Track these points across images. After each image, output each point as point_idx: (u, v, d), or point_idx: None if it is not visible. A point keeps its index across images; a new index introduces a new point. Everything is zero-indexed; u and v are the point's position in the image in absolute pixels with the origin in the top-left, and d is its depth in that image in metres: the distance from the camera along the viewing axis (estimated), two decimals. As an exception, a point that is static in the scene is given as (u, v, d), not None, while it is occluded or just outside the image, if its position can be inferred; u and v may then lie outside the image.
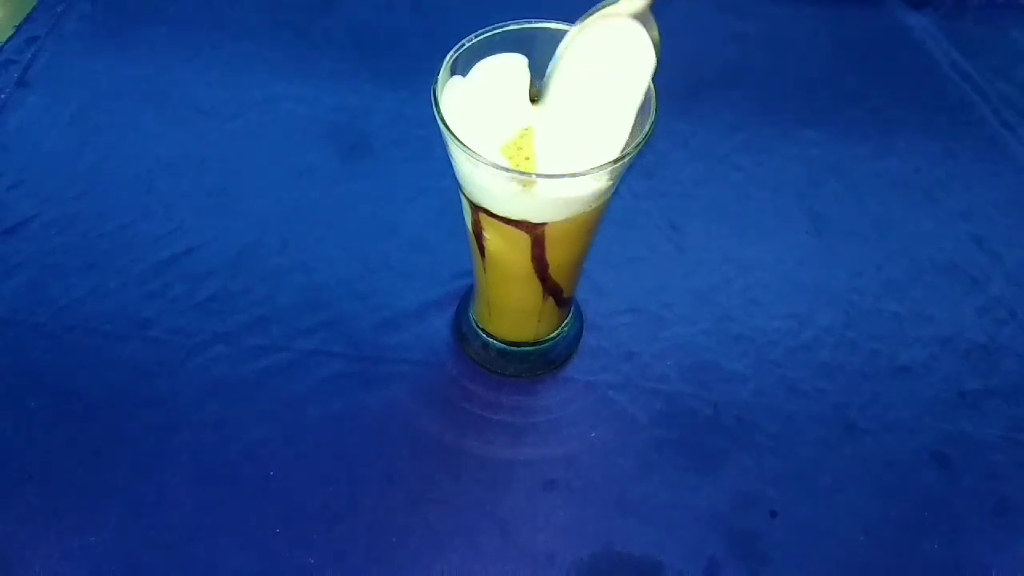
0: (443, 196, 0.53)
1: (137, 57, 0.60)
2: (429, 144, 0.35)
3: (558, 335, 0.46)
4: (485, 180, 0.34)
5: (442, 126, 0.33)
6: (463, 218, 0.40)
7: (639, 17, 0.34)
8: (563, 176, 0.33)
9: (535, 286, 0.40)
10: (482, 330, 0.46)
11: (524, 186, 0.33)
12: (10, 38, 0.61)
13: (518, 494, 0.42)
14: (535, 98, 0.35)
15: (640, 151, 0.34)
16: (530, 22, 0.36)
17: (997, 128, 0.59)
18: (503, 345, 0.46)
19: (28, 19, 0.62)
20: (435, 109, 0.33)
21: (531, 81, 0.35)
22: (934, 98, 0.61)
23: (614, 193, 0.37)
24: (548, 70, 0.35)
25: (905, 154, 0.57)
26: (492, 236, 0.38)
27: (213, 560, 0.40)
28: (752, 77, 0.61)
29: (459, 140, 0.33)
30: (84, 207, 0.52)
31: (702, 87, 0.59)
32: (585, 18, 0.34)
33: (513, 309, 0.44)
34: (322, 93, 0.59)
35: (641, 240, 0.52)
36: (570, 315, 0.47)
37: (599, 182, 0.34)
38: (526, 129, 0.35)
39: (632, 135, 0.35)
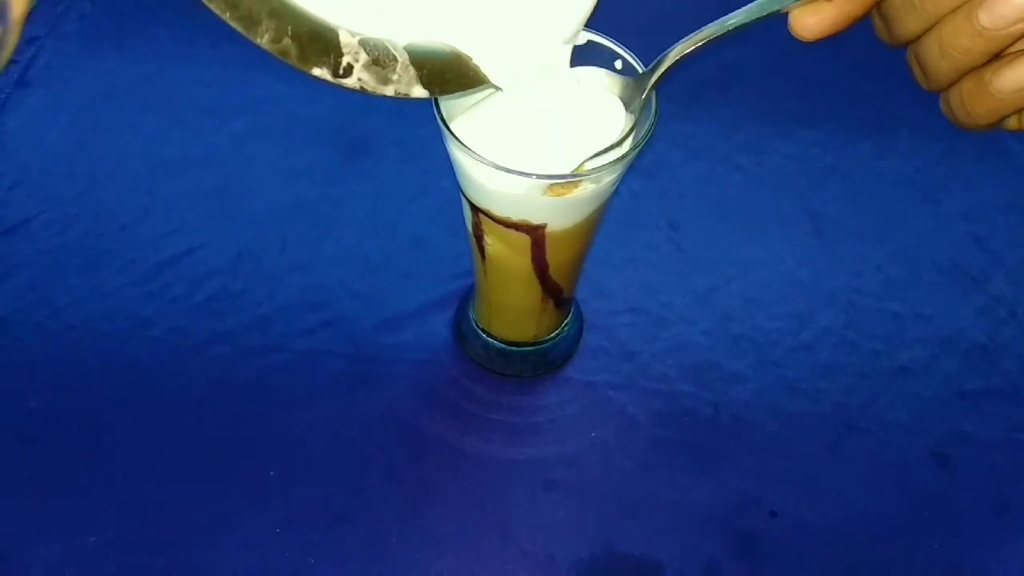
0: (443, 196, 0.53)
1: (137, 57, 0.60)
2: (429, 144, 0.35)
3: (558, 335, 0.46)
4: (485, 181, 0.34)
5: (442, 126, 0.33)
6: (463, 218, 0.40)
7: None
8: (564, 177, 0.33)
9: (535, 287, 0.40)
10: (482, 330, 0.46)
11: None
12: (10, 38, 0.61)
13: (518, 494, 0.42)
14: None
15: (640, 151, 0.34)
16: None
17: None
18: (503, 345, 0.46)
19: (28, 19, 0.62)
20: (435, 109, 0.33)
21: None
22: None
23: (614, 193, 0.37)
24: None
25: (905, 154, 0.57)
26: (492, 238, 0.38)
27: (213, 560, 0.40)
28: (752, 77, 0.61)
29: (459, 140, 0.33)
30: (84, 207, 0.52)
31: (702, 87, 0.59)
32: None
33: (513, 309, 0.44)
34: (322, 93, 0.58)
35: (641, 240, 0.52)
36: (570, 315, 0.47)
37: (598, 182, 0.34)
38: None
39: (632, 135, 0.35)
